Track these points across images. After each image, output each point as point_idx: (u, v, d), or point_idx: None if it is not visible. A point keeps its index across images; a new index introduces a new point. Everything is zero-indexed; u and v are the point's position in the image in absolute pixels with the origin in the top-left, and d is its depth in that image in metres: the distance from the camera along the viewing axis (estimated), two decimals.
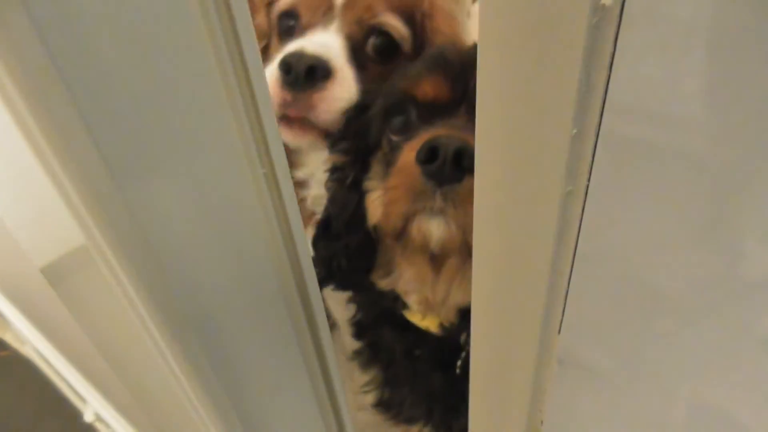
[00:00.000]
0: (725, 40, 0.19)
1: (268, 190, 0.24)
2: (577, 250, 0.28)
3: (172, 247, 0.21)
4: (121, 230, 0.19)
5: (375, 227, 0.68)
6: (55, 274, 0.27)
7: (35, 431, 1.40)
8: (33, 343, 1.35)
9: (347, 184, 0.73)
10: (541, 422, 0.37)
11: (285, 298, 0.26)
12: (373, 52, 0.83)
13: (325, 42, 0.79)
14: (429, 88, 0.61)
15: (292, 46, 0.79)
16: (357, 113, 0.75)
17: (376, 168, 0.71)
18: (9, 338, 1.57)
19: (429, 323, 0.71)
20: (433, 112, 0.61)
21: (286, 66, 0.75)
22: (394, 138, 0.66)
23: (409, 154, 0.58)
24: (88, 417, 1.11)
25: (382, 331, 0.83)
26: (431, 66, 0.62)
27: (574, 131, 0.23)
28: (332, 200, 0.77)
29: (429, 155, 0.52)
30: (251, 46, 0.23)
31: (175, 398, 0.26)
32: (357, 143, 0.73)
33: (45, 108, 0.16)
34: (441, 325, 0.71)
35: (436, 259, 0.63)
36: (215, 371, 0.24)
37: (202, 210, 0.21)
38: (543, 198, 0.25)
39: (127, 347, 0.27)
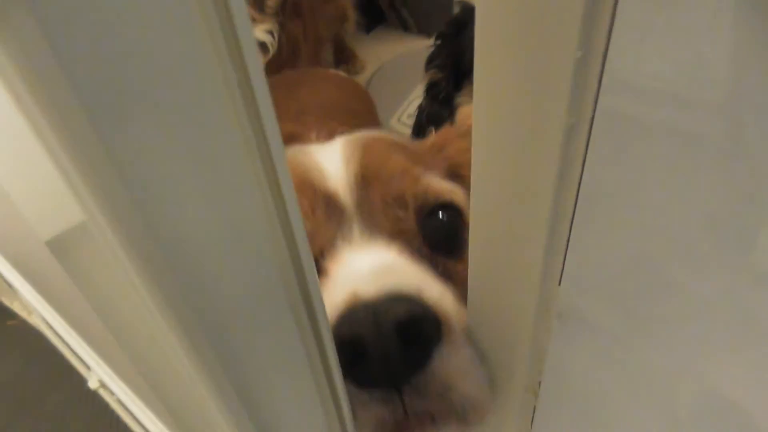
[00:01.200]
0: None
1: (268, 184, 0.23)
2: (580, 191, 0.26)
3: (172, 228, 0.19)
4: (120, 208, 0.18)
5: None
6: (60, 247, 0.26)
7: (41, 398, 1.42)
8: (40, 312, 1.36)
9: (440, 99, 0.75)
10: (539, 383, 0.36)
11: (283, 276, 0.25)
12: None
13: None
14: None
15: None
16: (454, 30, 0.73)
17: (468, 87, 0.70)
18: (17, 308, 1.58)
19: None
20: None
21: None
22: None
23: None
24: (93, 384, 1.11)
25: None
26: None
27: (579, 54, 0.22)
28: (427, 114, 0.80)
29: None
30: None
31: (176, 373, 0.25)
32: (452, 61, 0.73)
33: (42, 86, 0.15)
34: None
35: None
36: (214, 347, 0.24)
37: (203, 189, 0.20)
38: (545, 131, 0.24)
39: (129, 321, 0.26)
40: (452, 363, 0.36)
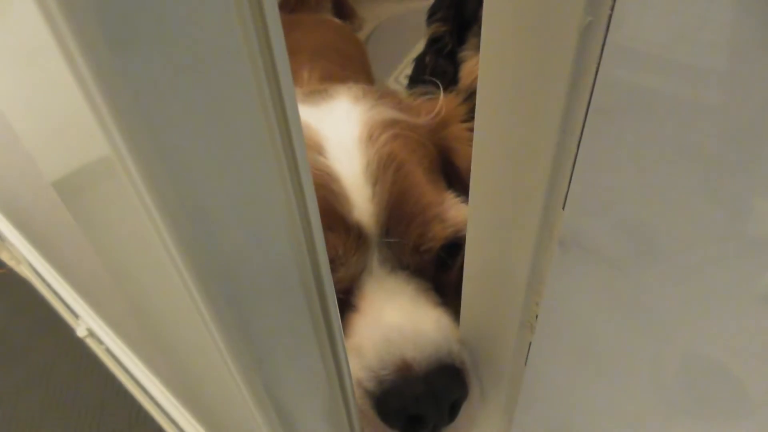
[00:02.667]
0: None
1: (287, 163, 0.23)
2: (591, 102, 0.25)
3: (189, 166, 0.19)
4: (146, 143, 0.17)
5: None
6: (67, 188, 0.25)
7: (30, 347, 1.41)
8: (29, 260, 1.35)
9: (444, 54, 0.74)
10: (536, 316, 0.35)
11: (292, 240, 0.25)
12: None
13: None
14: None
15: None
16: None
17: (472, 40, 0.69)
18: (5, 257, 1.56)
19: None
20: None
21: None
22: None
23: None
24: (81, 332, 1.11)
25: None
26: None
27: None
28: (431, 70, 0.79)
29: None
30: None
31: (186, 318, 0.24)
32: (454, 13, 0.72)
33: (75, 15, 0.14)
34: None
35: None
36: (227, 292, 0.23)
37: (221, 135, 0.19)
38: (558, 30, 0.22)
39: (137, 265, 0.25)
40: (471, 416, 0.45)
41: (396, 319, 0.46)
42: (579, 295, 0.32)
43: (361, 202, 0.49)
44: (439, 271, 0.51)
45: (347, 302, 0.49)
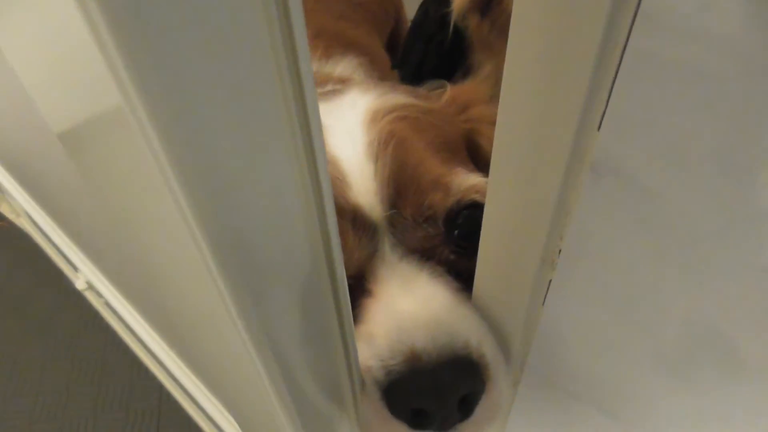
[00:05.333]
0: None
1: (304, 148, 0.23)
2: (640, 9, 0.22)
3: (202, 118, 0.19)
4: (157, 92, 0.17)
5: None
6: (73, 140, 0.24)
7: (30, 300, 1.40)
8: (29, 214, 1.33)
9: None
10: (559, 251, 0.33)
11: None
12: None
13: None
14: None
15: None
16: None
17: None
18: (5, 210, 1.55)
19: None
20: None
21: None
22: None
23: None
24: (80, 285, 1.10)
25: None
26: None
27: None
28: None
29: None
30: None
31: (193, 272, 0.24)
32: None
33: None
34: None
35: None
36: (236, 247, 0.23)
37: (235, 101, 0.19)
38: None
39: (144, 218, 0.25)
40: (491, 410, 0.41)
41: (410, 307, 0.43)
42: (607, 225, 0.30)
43: (363, 182, 0.46)
44: (456, 256, 0.47)
45: (360, 287, 0.46)
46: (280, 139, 0.22)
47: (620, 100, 0.26)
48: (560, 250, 0.33)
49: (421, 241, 0.47)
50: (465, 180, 0.47)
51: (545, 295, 0.36)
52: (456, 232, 0.47)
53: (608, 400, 0.39)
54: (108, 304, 1.07)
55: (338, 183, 0.46)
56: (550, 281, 0.35)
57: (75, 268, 1.12)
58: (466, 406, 0.40)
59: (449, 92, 0.56)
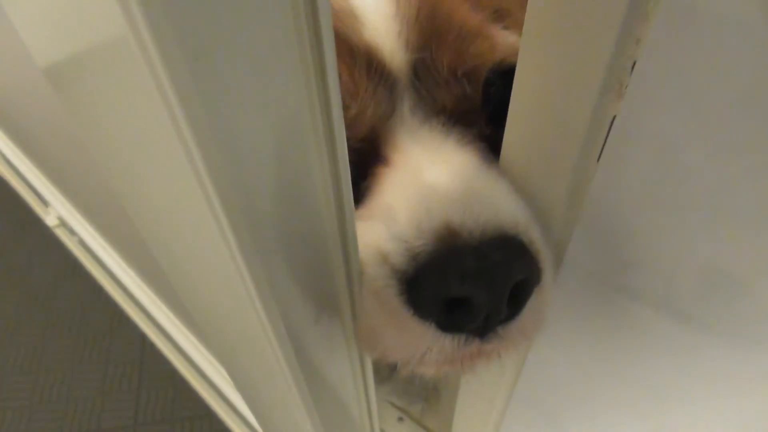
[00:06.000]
0: None
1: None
2: None
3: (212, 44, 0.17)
4: (165, 23, 0.15)
5: None
6: (61, 74, 0.22)
7: (5, 248, 1.31)
8: (2, 152, 1.23)
9: None
10: (633, 66, 0.23)
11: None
12: None
13: None
14: None
15: None
16: None
17: None
18: None
19: None
20: None
21: None
22: None
23: None
24: (51, 221, 1.00)
25: None
26: None
27: None
28: None
29: None
30: None
31: (192, 212, 0.22)
32: None
33: None
34: None
35: None
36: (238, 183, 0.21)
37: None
38: None
39: (138, 157, 0.23)
40: (541, 310, 0.31)
41: (440, 177, 0.33)
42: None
43: (381, 20, 0.36)
44: (493, 124, 0.37)
45: (373, 153, 0.35)
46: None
47: None
48: (635, 64, 0.23)
49: (454, 101, 0.36)
50: (508, 37, 0.36)
51: (602, 147, 0.26)
52: (493, 97, 0.36)
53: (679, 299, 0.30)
54: (83, 243, 0.98)
55: (346, 18, 0.35)
56: (614, 118, 0.25)
57: (46, 204, 1.02)
58: (515, 303, 0.29)
59: None
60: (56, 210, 0.97)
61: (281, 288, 0.27)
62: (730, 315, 0.28)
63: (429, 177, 0.33)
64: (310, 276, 0.29)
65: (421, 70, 0.36)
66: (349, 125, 0.33)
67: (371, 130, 0.35)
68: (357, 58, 0.35)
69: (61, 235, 1.01)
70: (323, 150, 0.24)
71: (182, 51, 0.16)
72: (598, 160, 0.26)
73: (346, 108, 0.30)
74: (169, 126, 0.18)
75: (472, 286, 0.28)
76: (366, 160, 0.34)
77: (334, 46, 0.21)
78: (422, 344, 0.30)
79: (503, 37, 0.37)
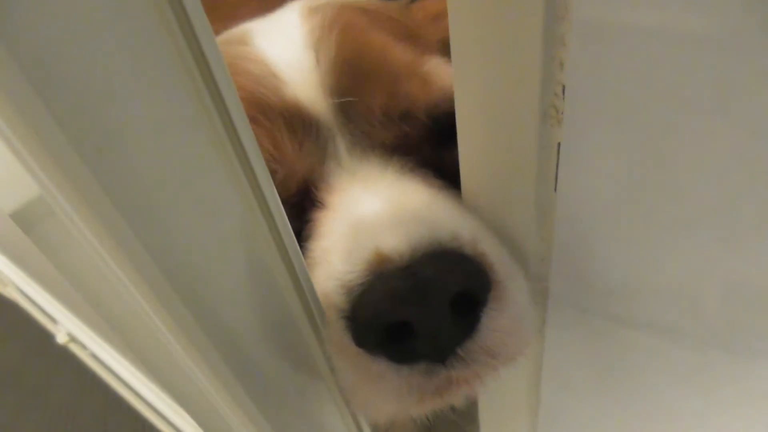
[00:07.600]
0: None
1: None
2: None
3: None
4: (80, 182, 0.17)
5: None
6: (24, 220, 0.25)
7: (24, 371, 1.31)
8: (15, 282, 1.25)
9: None
10: (563, 89, 0.23)
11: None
12: None
13: None
14: None
15: None
16: None
17: None
18: None
19: None
20: None
21: None
22: None
23: None
24: (61, 338, 1.00)
25: None
26: None
27: None
28: None
29: None
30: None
31: (151, 331, 0.24)
32: None
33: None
34: None
35: None
36: (200, 320, 0.23)
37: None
38: None
39: (104, 292, 0.26)
40: (502, 320, 0.29)
41: (373, 207, 0.32)
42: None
43: (301, 74, 0.36)
44: (436, 148, 0.37)
45: (308, 200, 0.36)
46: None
47: None
48: (564, 87, 0.23)
49: (392, 138, 0.36)
50: (446, 69, 0.37)
51: (556, 172, 0.26)
52: (439, 130, 0.36)
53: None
54: (95, 356, 0.97)
55: (267, 81, 0.35)
56: (559, 145, 0.25)
57: (54, 321, 1.03)
58: (466, 318, 0.28)
59: (417, 3, 0.46)
60: (65, 327, 0.97)
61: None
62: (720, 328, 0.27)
63: (359, 210, 0.32)
64: (288, 357, 0.28)
65: (351, 113, 0.36)
66: (280, 186, 0.33)
67: (303, 182, 0.36)
68: (275, 121, 0.35)
69: (75, 350, 1.01)
70: (271, 244, 0.25)
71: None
72: (555, 189, 0.26)
73: (273, 173, 0.30)
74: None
75: (404, 306, 0.27)
76: (302, 209, 0.34)
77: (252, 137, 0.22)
78: (387, 385, 0.28)
79: (437, 74, 0.37)
